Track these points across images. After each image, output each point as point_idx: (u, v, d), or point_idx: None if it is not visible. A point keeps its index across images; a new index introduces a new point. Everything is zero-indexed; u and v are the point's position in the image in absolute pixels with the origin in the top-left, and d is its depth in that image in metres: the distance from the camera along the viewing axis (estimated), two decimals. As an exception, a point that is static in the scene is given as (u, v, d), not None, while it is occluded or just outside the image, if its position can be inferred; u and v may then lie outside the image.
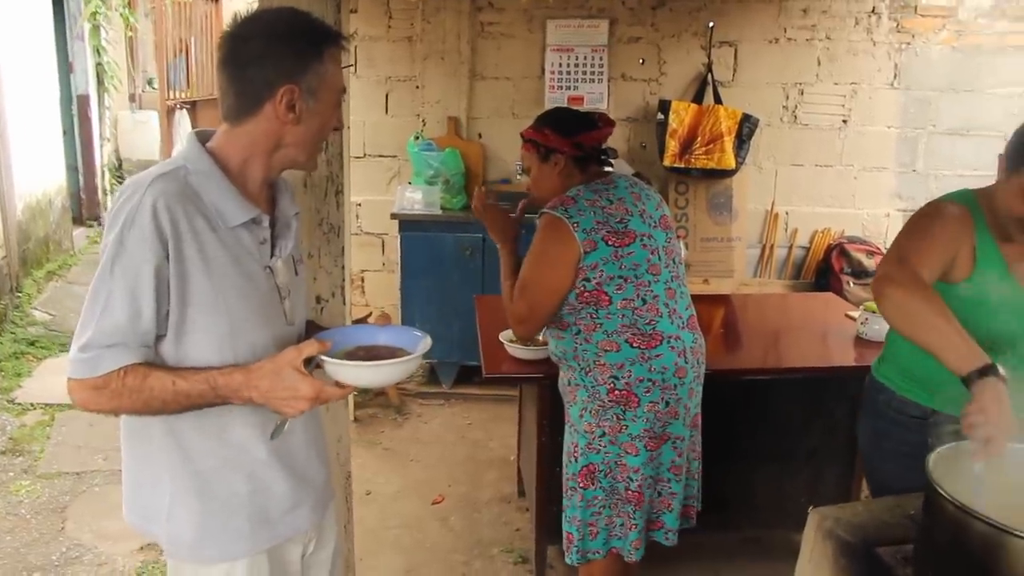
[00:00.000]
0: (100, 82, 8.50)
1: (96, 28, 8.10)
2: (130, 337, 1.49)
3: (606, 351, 2.46)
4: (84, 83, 8.20)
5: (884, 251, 5.43)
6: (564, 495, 2.61)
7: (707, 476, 3.27)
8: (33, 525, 3.76)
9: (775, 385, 3.28)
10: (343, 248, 2.27)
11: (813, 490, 3.36)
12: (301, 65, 1.56)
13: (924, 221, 2.19)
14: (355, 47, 5.43)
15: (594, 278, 2.45)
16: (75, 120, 8.15)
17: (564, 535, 2.62)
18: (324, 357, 1.57)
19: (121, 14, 8.54)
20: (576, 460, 2.54)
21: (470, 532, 3.69)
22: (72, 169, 8.04)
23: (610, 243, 2.44)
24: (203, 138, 1.64)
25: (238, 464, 1.65)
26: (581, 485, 2.53)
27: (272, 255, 1.67)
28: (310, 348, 1.54)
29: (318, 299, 2.25)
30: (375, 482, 4.11)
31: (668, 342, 2.48)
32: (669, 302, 2.51)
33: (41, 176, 7.18)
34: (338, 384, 1.60)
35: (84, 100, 8.19)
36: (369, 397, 5.05)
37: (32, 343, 5.80)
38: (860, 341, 3.35)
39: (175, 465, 1.62)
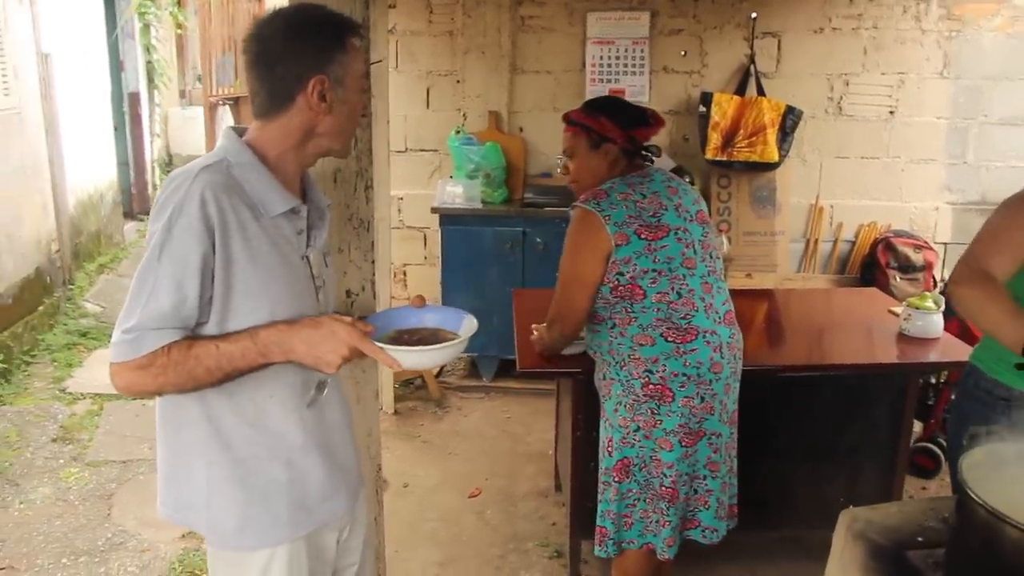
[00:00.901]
0: (150, 79, 8.66)
1: (146, 27, 8.25)
2: (173, 322, 1.52)
3: (640, 345, 2.46)
4: (135, 80, 8.36)
5: (932, 245, 5.33)
6: (599, 489, 2.61)
7: (745, 474, 3.24)
8: (80, 511, 3.85)
9: (815, 382, 3.24)
10: (373, 242, 2.29)
11: (853, 489, 3.31)
12: (327, 56, 1.62)
13: (1001, 211, 2.23)
14: (396, 42, 5.46)
15: (627, 272, 2.45)
16: (126, 117, 8.31)
17: (597, 529, 2.62)
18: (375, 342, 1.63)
19: (171, 12, 8.68)
20: (611, 454, 2.54)
21: (506, 526, 3.70)
22: (123, 165, 8.20)
23: (643, 236, 2.44)
24: (238, 133, 1.69)
25: (277, 451, 1.69)
26: (616, 479, 2.53)
27: (308, 245, 1.72)
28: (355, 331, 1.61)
29: (348, 293, 2.27)
30: (413, 474, 4.14)
31: (703, 336, 2.46)
32: (705, 296, 2.50)
33: (93, 172, 7.33)
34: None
35: (135, 97, 8.34)
36: (410, 390, 5.09)
37: (83, 334, 5.94)
38: (903, 338, 3.28)
39: (214, 454, 1.66)
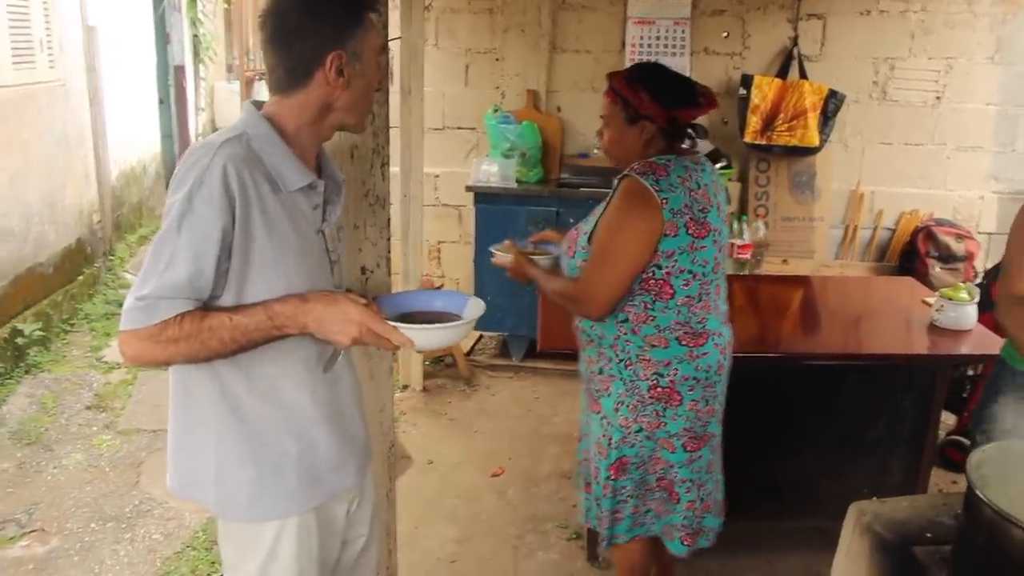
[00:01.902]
0: (196, 53, 8.72)
1: (193, 0, 8.30)
2: (188, 293, 1.52)
3: (653, 346, 2.33)
4: (180, 54, 8.41)
5: (975, 235, 5.20)
6: (594, 483, 2.50)
7: (768, 464, 3.22)
8: (111, 478, 3.94)
9: (843, 371, 3.19)
10: (388, 219, 2.27)
11: (877, 481, 3.26)
12: (344, 31, 1.61)
13: (1014, 232, 2.23)
14: (435, 19, 5.44)
15: (665, 267, 2.28)
16: (171, 90, 8.38)
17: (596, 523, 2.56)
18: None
19: (218, -14, 8.74)
20: (608, 455, 2.42)
21: (526, 505, 3.70)
22: (167, 138, 8.28)
23: (690, 232, 2.27)
24: (258, 107, 1.69)
25: (289, 424, 1.70)
26: (612, 477, 2.42)
27: (323, 220, 1.72)
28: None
29: (363, 270, 2.26)
30: (437, 452, 4.15)
31: (712, 339, 2.37)
32: (716, 298, 2.39)
33: (136, 144, 7.43)
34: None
35: (180, 71, 8.40)
36: (440, 368, 5.10)
37: (121, 304, 6.02)
38: (934, 329, 3.20)
39: (227, 428, 1.67)
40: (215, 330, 1.53)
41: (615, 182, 2.35)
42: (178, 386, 1.71)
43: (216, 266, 1.53)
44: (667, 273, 2.28)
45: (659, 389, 2.34)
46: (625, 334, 2.35)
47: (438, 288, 5.10)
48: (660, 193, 2.23)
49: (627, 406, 2.37)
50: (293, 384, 1.69)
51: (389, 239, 2.29)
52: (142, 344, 1.53)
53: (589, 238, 2.37)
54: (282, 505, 1.72)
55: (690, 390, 2.35)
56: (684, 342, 2.33)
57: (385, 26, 1.92)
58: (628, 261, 2.28)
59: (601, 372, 2.43)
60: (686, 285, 2.30)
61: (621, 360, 2.37)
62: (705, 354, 2.35)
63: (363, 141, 2.19)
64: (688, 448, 2.40)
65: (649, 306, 2.31)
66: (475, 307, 1.80)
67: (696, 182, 2.29)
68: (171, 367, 1.68)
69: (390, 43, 2.22)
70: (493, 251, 2.64)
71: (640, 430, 2.37)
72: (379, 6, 1.70)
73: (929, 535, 1.76)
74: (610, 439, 2.41)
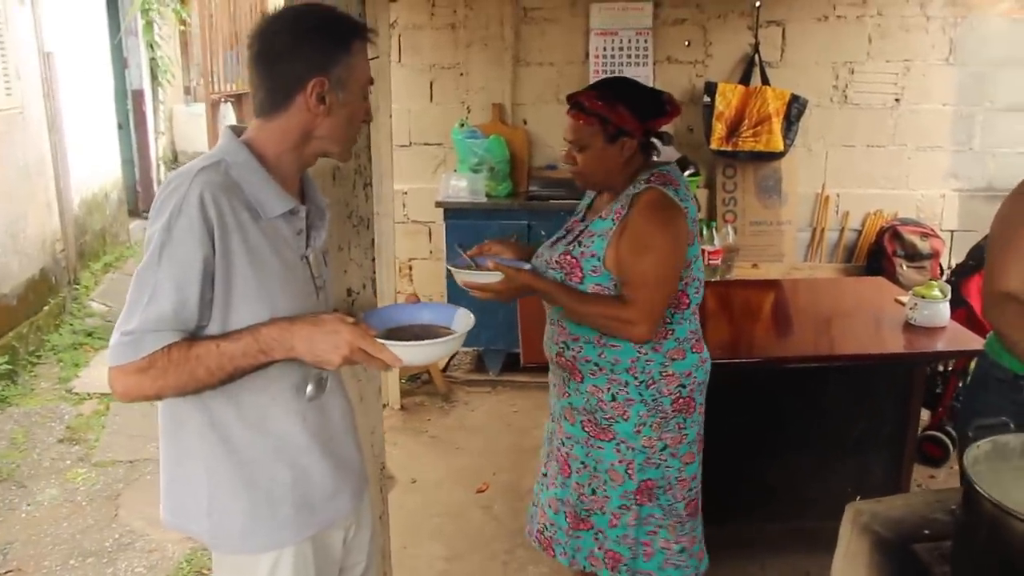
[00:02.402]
0: (154, 76, 8.65)
1: (149, 24, 8.24)
2: (174, 324, 1.50)
3: (673, 360, 2.31)
4: (138, 78, 8.35)
5: (939, 233, 5.29)
6: (611, 513, 2.39)
7: (753, 466, 3.24)
8: (88, 512, 3.86)
9: (822, 372, 3.22)
10: (373, 240, 2.27)
11: (860, 480, 3.29)
12: (329, 58, 1.59)
13: (998, 225, 2.24)
14: (398, 36, 5.44)
15: (685, 277, 2.28)
16: (130, 114, 8.31)
17: (608, 553, 2.41)
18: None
19: (174, 9, 8.67)
20: (631, 477, 2.34)
21: (513, 520, 3.68)
22: (128, 163, 8.20)
23: (697, 240, 2.32)
24: (237, 133, 1.67)
25: (280, 453, 1.67)
26: (637, 502, 2.36)
27: (307, 246, 1.70)
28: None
29: (349, 292, 2.26)
30: (420, 470, 4.13)
31: (705, 341, 2.45)
32: None
33: (97, 170, 7.34)
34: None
35: (138, 95, 8.34)
36: (416, 385, 5.08)
37: (89, 334, 5.94)
38: (909, 327, 3.24)
39: (218, 459, 1.64)
40: (202, 359, 1.51)
41: (630, 197, 2.25)
42: (167, 418, 1.68)
43: (200, 295, 1.51)
44: (686, 283, 2.30)
45: (681, 400, 2.34)
46: (646, 354, 2.29)
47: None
48: (682, 202, 2.24)
49: (650, 426, 2.31)
50: (283, 412, 1.67)
51: (374, 259, 2.28)
52: (131, 379, 1.51)
53: (602, 259, 2.26)
54: (277, 535, 1.69)
55: (701, 394, 2.40)
56: (696, 349, 2.37)
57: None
58: (676, 276, 2.25)
59: (614, 399, 2.32)
60: (697, 292, 2.35)
61: (642, 382, 2.30)
62: (707, 357, 2.41)
63: (346, 163, 2.18)
64: (699, 451, 2.45)
65: (668, 320, 2.29)
66: (464, 319, 1.77)
67: (687, 189, 2.32)
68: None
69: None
70: (455, 268, 2.22)
71: (665, 447, 2.34)
72: (371, 35, 1.68)
73: (927, 532, 1.78)
74: (631, 464, 2.34)
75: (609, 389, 2.32)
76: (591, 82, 2.49)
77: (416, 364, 1.84)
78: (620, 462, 2.35)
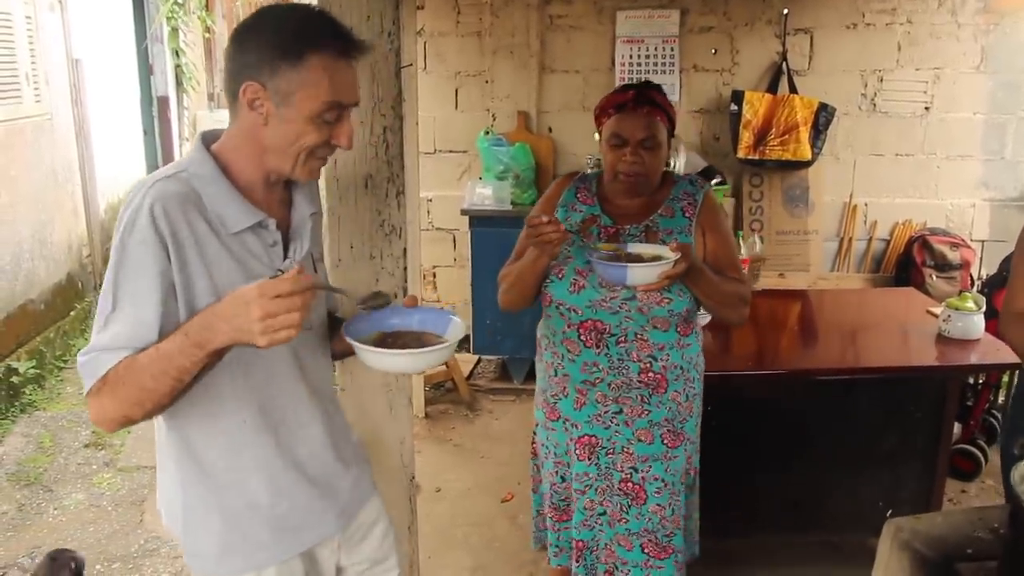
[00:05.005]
0: (179, 83, 8.68)
1: (175, 31, 8.27)
2: (132, 342, 1.43)
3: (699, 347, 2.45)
4: (164, 85, 8.37)
5: (969, 243, 5.22)
6: (680, 517, 2.42)
7: (781, 478, 3.20)
8: (114, 517, 3.88)
9: (852, 385, 3.18)
10: (405, 249, 2.26)
11: (891, 494, 3.25)
12: (268, 64, 1.47)
13: (1019, 247, 2.23)
14: (424, 43, 5.44)
15: None
16: (155, 121, 8.34)
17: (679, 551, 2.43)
18: (353, 341, 1.54)
19: (199, 16, 8.71)
20: (691, 473, 2.46)
21: (539, 531, 3.67)
22: (153, 168, 8.21)
23: None
24: (211, 138, 1.60)
25: (254, 475, 1.62)
26: (690, 492, 2.50)
27: (285, 257, 1.62)
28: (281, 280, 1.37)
29: (380, 301, 2.25)
30: (445, 479, 4.11)
31: None
32: None
33: (123, 175, 7.38)
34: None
35: (164, 101, 8.36)
36: (441, 392, 5.07)
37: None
38: (942, 339, 3.20)
39: (192, 479, 1.60)
40: (146, 366, 1.40)
41: (696, 197, 2.35)
42: (157, 434, 1.65)
43: (161, 308, 1.44)
44: None
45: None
46: (700, 347, 2.44)
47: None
48: None
49: (700, 416, 2.44)
50: (253, 433, 1.60)
51: (406, 268, 2.27)
52: (96, 402, 1.44)
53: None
54: (255, 556, 1.64)
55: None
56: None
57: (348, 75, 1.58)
58: None
59: (687, 399, 2.38)
60: None
61: (701, 374, 2.43)
62: None
63: (378, 170, 2.18)
64: None
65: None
66: (457, 328, 1.68)
67: None
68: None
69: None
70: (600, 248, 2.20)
71: (699, 436, 2.45)
72: (350, 50, 1.51)
73: (970, 551, 1.75)
74: (690, 458, 2.44)
75: (684, 390, 2.36)
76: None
77: (401, 372, 1.79)
78: (687, 461, 2.40)
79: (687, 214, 2.32)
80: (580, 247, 2.26)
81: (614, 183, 2.33)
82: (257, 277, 1.49)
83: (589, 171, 2.48)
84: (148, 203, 1.44)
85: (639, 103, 2.26)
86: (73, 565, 2.34)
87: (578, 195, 2.41)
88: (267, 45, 1.48)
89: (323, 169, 1.66)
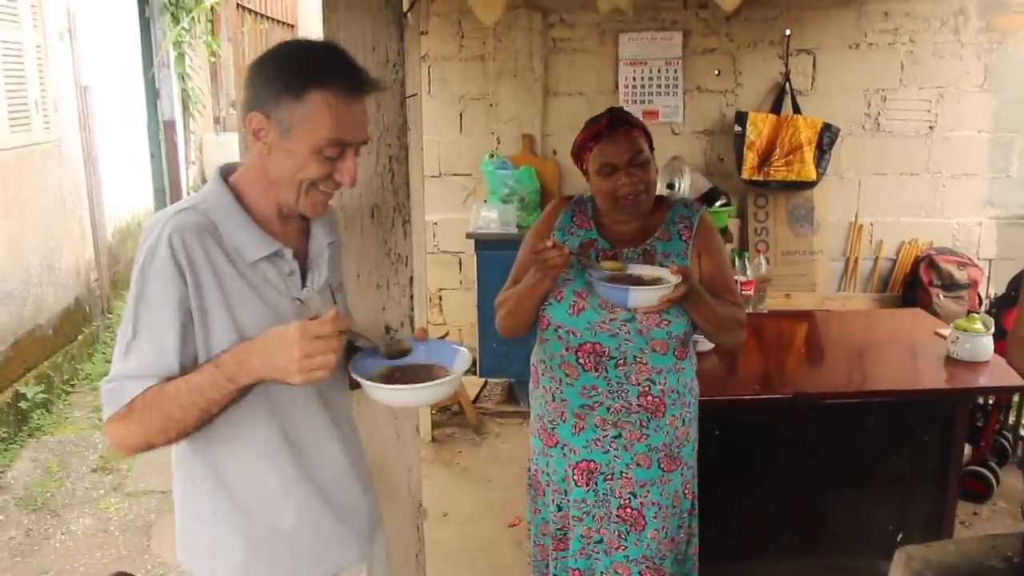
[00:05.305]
0: (185, 107, 8.73)
1: (181, 56, 8.32)
2: (155, 370, 1.47)
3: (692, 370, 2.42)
4: (170, 109, 8.42)
5: (976, 262, 5.21)
6: (668, 542, 2.39)
7: (789, 501, 3.18)
8: (121, 542, 3.87)
9: (859, 407, 3.16)
10: (411, 277, 2.26)
11: (901, 518, 3.22)
12: (272, 96, 1.50)
13: None
14: (428, 68, 5.47)
15: None
16: (162, 144, 8.39)
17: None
18: (361, 378, 1.56)
19: (205, 41, 8.77)
20: (687, 497, 2.41)
21: (547, 556, 3.65)
22: (160, 191, 8.26)
23: None
24: (228, 171, 1.63)
25: (279, 500, 1.64)
26: (691, 516, 2.46)
27: (303, 286, 1.64)
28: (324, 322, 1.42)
29: (387, 329, 2.25)
30: (452, 503, 4.10)
31: None
32: None
33: (130, 200, 7.43)
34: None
35: (170, 125, 8.41)
36: (447, 416, 5.06)
37: (122, 363, 5.97)
38: (951, 361, 3.18)
39: (218, 503, 1.62)
40: (173, 396, 1.45)
41: (692, 220, 2.34)
42: (177, 464, 1.66)
43: (181, 337, 1.48)
44: None
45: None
46: (692, 367, 2.40)
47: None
48: None
49: (695, 439, 2.42)
50: (276, 458, 1.62)
51: (412, 297, 2.27)
52: (119, 428, 1.48)
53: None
54: None
55: None
56: None
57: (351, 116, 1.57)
58: None
59: (684, 423, 2.35)
60: None
61: (695, 399, 2.40)
62: None
63: (384, 200, 2.19)
64: None
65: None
66: (463, 359, 1.69)
67: None
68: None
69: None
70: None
71: (697, 462, 2.43)
72: (337, 86, 1.50)
73: (981, 580, 1.74)
74: (687, 483, 2.40)
75: (682, 415, 2.34)
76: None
77: (411, 406, 1.78)
78: (684, 485, 2.37)
79: (684, 237, 2.32)
80: (579, 269, 2.25)
81: (615, 210, 2.30)
82: (275, 306, 1.56)
83: (584, 195, 2.45)
84: (167, 233, 1.47)
85: (614, 127, 2.26)
86: None
87: (574, 219, 2.40)
88: (274, 78, 1.51)
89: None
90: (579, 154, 2.34)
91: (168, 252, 1.46)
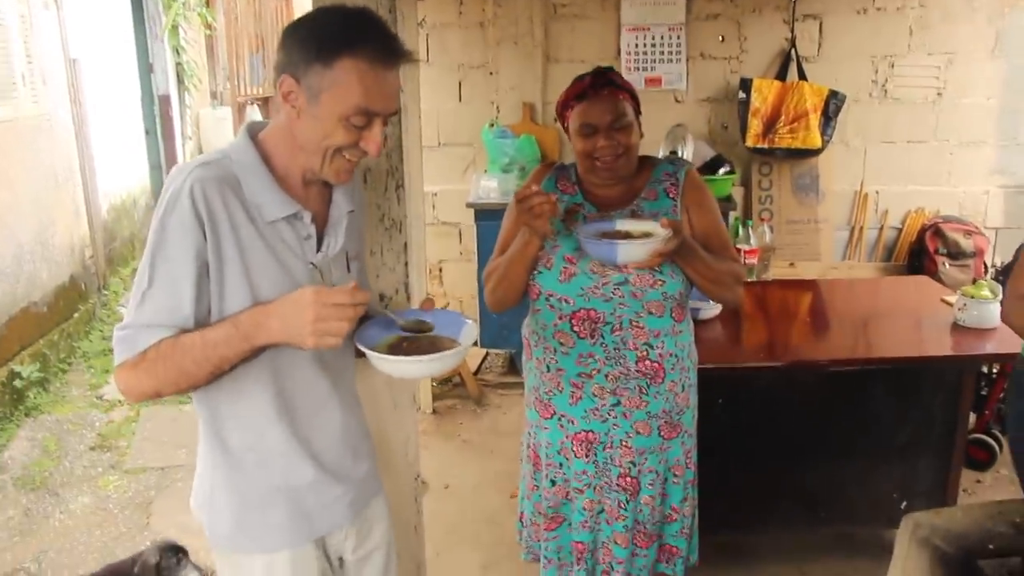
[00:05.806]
0: (180, 81, 8.64)
1: (175, 28, 8.22)
2: (169, 320, 1.49)
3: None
4: (165, 83, 8.34)
5: (983, 231, 5.14)
6: (670, 512, 2.37)
7: (794, 470, 3.14)
8: (120, 519, 3.84)
9: (865, 375, 3.10)
10: (405, 244, 2.20)
11: (906, 486, 3.18)
12: (303, 60, 1.49)
13: None
14: (426, 35, 5.37)
15: None
16: (157, 120, 8.30)
17: (663, 549, 2.40)
18: (366, 348, 1.56)
19: (199, 13, 8.66)
20: (689, 467, 2.36)
21: (548, 528, 3.61)
22: (156, 168, 8.19)
23: None
24: (256, 129, 1.63)
25: (274, 460, 1.67)
26: (694, 488, 2.41)
27: (319, 251, 1.64)
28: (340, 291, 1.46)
29: (381, 297, 2.19)
30: (454, 475, 4.07)
31: None
32: None
33: (125, 176, 7.35)
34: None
35: (165, 100, 8.33)
36: (448, 388, 5.02)
37: (120, 340, 5.94)
38: (957, 328, 3.14)
39: (217, 458, 1.67)
40: (188, 350, 1.47)
41: (678, 176, 2.27)
42: (199, 412, 1.69)
43: (196, 290, 1.50)
44: None
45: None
46: (690, 331, 2.34)
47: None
48: None
49: (695, 406, 2.37)
50: (272, 419, 1.64)
51: (407, 264, 2.21)
52: (129, 374, 1.50)
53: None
54: (268, 539, 1.69)
55: None
56: None
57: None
58: None
59: (683, 389, 2.30)
60: None
61: (694, 364, 2.35)
62: None
63: (376, 163, 2.13)
64: None
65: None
66: (470, 331, 1.70)
67: None
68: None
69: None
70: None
71: (697, 430, 2.38)
72: (369, 55, 1.48)
73: (991, 547, 1.69)
74: (689, 452, 2.36)
75: (681, 380, 2.28)
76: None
77: (417, 377, 1.77)
78: (685, 454, 2.33)
79: (671, 195, 2.24)
80: (566, 235, 2.18)
81: (592, 173, 2.24)
82: (289, 268, 1.58)
83: (568, 162, 2.36)
84: (188, 185, 1.48)
85: (598, 87, 2.19)
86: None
87: (558, 184, 2.32)
88: (306, 42, 1.50)
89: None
90: (562, 112, 2.28)
91: (189, 203, 1.47)
